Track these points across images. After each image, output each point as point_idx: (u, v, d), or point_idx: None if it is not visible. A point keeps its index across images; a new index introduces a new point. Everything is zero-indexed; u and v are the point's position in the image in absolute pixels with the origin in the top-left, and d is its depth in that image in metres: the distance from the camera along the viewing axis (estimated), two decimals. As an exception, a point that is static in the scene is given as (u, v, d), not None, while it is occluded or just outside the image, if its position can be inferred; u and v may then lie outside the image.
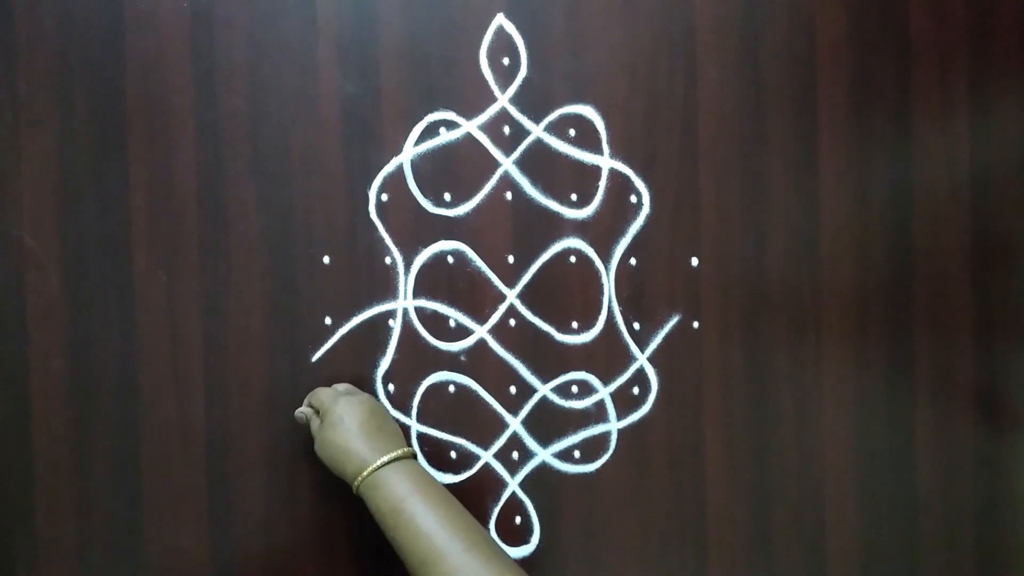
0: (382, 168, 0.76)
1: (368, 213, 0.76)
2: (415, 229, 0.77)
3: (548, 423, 0.78)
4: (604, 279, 0.77)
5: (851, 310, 0.79)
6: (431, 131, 0.76)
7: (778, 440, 0.79)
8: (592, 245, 0.77)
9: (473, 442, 0.77)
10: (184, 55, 0.75)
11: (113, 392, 0.75)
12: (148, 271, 0.76)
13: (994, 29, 0.79)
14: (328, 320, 0.76)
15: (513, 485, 0.77)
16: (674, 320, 0.78)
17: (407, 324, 0.77)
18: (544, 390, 0.78)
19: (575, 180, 0.77)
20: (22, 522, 0.75)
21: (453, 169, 0.77)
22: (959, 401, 0.80)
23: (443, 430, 0.77)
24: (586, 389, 0.78)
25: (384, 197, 0.76)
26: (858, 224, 0.79)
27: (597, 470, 0.78)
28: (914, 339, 0.79)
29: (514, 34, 0.76)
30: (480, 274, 0.77)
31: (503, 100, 0.77)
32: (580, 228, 0.77)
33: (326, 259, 0.76)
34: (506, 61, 0.77)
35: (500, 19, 0.76)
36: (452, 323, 0.77)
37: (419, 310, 0.77)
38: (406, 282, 0.77)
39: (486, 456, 0.77)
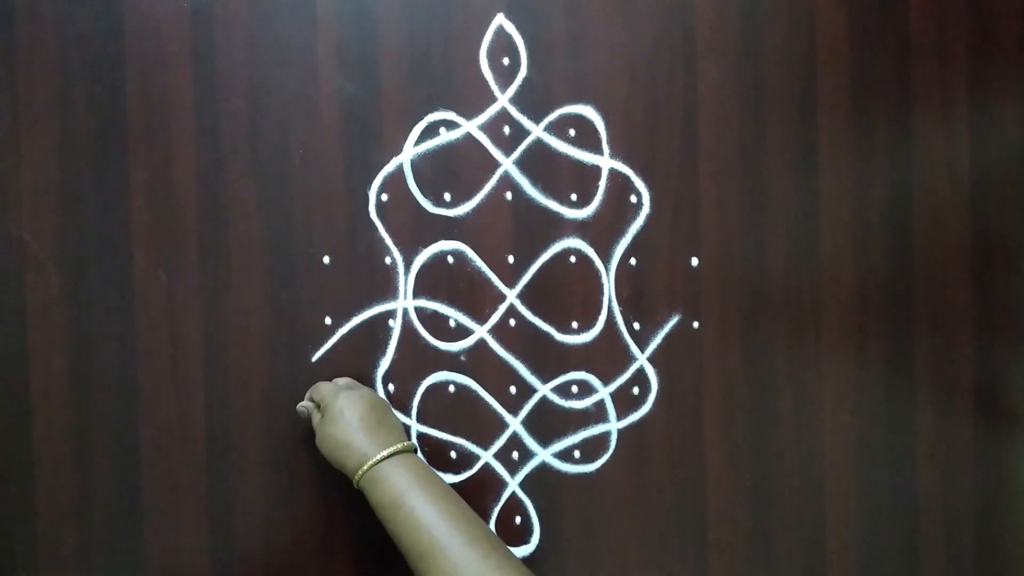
0: (382, 168, 0.76)
1: (368, 213, 0.76)
2: (415, 229, 0.77)
3: (548, 423, 0.78)
4: (604, 279, 0.77)
5: (851, 310, 0.79)
6: (431, 131, 0.76)
7: (778, 440, 0.79)
8: (592, 245, 0.77)
9: (473, 442, 0.77)
10: (184, 55, 0.75)
11: (113, 392, 0.75)
12: (148, 271, 0.76)
13: (994, 29, 0.79)
14: (328, 320, 0.76)
15: (513, 485, 0.77)
16: (674, 320, 0.78)
17: (407, 324, 0.77)
18: (544, 390, 0.78)
19: (575, 180, 0.77)
20: (22, 522, 0.75)
21: (453, 169, 0.77)
22: (959, 401, 0.80)
23: (443, 430, 0.77)
24: (586, 389, 0.78)
25: (384, 197, 0.76)
26: (858, 224, 0.79)
27: (597, 470, 0.78)
28: (914, 339, 0.79)
29: (514, 34, 0.77)
30: (480, 274, 0.77)
31: (503, 100, 0.77)
32: (580, 228, 0.77)
33: (326, 259, 0.76)
34: (506, 61, 0.77)
35: (500, 19, 0.76)
36: (452, 323, 0.77)
37: (419, 310, 0.77)
38: (406, 282, 0.77)
39: (486, 456, 0.77)
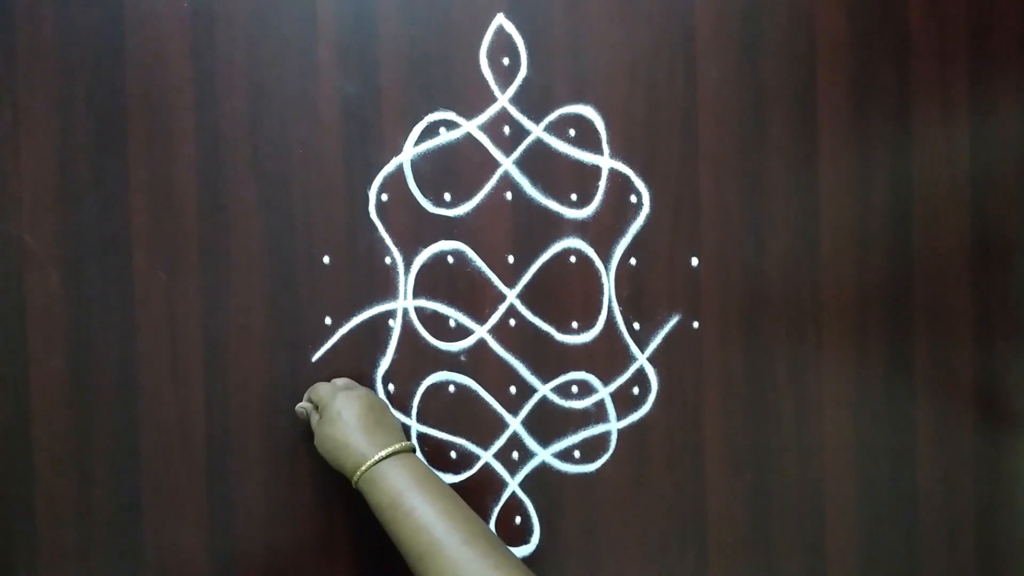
0: (382, 168, 0.76)
1: (368, 213, 0.76)
2: (415, 229, 0.77)
3: (548, 423, 0.78)
4: (604, 279, 0.77)
5: (851, 310, 0.79)
6: (431, 131, 0.76)
7: (778, 440, 0.79)
8: (592, 245, 0.77)
9: (473, 442, 0.77)
10: (184, 55, 0.75)
11: (113, 392, 0.75)
12: (148, 271, 0.76)
13: (994, 29, 0.79)
14: (328, 320, 0.76)
15: (513, 485, 0.77)
16: (674, 320, 0.78)
17: (407, 324, 0.77)
18: (544, 390, 0.78)
19: (575, 180, 0.77)
20: (22, 522, 0.75)
21: (453, 169, 0.77)
22: (959, 401, 0.80)
23: (443, 430, 0.77)
24: (586, 389, 0.78)
25: (384, 197, 0.76)
26: (858, 224, 0.79)
27: (597, 470, 0.78)
28: (914, 339, 0.79)
29: (514, 34, 0.77)
30: (480, 274, 0.77)
31: (503, 100, 0.77)
32: (580, 228, 0.77)
33: (326, 259, 0.76)
34: (506, 61, 0.77)
35: (500, 19, 0.76)
36: (452, 323, 0.77)
37: (419, 310, 0.77)
38: (406, 282, 0.77)
39: (486, 456, 0.77)
